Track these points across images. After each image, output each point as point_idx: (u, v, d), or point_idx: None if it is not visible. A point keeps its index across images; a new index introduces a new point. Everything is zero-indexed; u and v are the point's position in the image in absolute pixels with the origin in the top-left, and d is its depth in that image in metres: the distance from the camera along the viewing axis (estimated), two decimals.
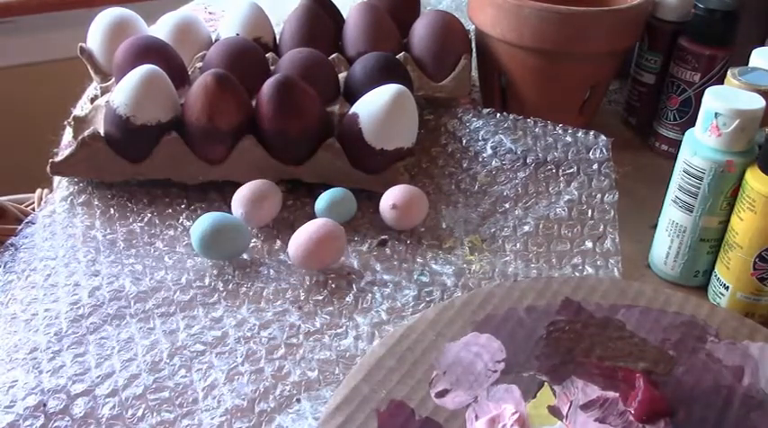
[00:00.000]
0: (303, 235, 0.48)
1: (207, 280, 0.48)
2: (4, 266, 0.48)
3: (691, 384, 0.40)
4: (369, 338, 0.44)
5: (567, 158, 0.59)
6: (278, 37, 0.69)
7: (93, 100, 0.62)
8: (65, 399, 0.39)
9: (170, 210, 0.54)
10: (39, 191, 0.95)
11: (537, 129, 0.61)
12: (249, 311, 0.46)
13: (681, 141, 0.49)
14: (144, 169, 0.55)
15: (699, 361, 0.41)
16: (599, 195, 0.56)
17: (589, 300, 0.45)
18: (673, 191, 0.49)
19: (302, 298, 0.47)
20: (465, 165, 0.59)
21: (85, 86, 0.70)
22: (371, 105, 0.54)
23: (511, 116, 0.62)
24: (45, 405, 0.39)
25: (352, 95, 0.60)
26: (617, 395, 0.39)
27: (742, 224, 0.45)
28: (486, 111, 0.64)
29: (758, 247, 0.45)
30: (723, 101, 0.46)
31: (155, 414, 0.39)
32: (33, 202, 0.95)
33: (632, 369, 0.40)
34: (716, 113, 0.46)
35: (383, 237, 0.52)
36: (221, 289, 0.48)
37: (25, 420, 0.38)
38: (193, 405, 0.39)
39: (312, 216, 0.53)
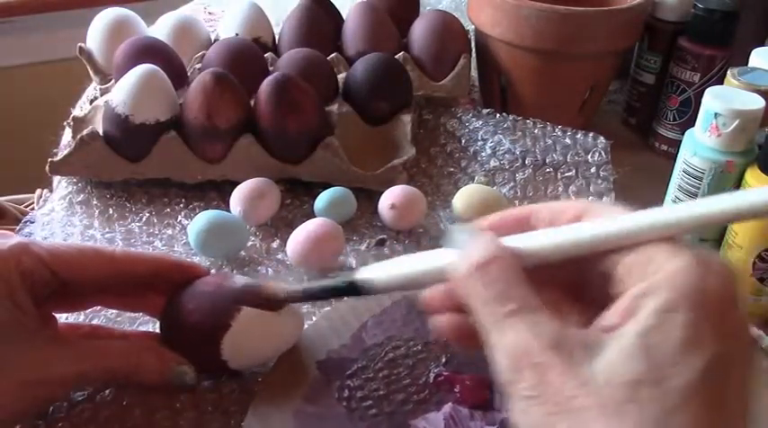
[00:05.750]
0: (302, 234, 0.48)
1: None
2: None
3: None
4: None
5: (566, 161, 0.59)
6: (277, 37, 0.69)
7: (92, 101, 0.62)
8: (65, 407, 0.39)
9: (168, 210, 0.54)
10: (38, 191, 0.94)
11: (536, 131, 0.61)
12: None
13: (681, 141, 0.49)
14: (142, 168, 0.55)
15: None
16: (597, 199, 0.56)
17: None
18: (673, 191, 0.49)
19: None
20: (464, 165, 0.59)
21: (85, 86, 0.70)
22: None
23: (510, 117, 0.62)
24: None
25: (352, 95, 0.60)
26: (451, 406, 0.38)
27: (742, 224, 0.45)
28: (485, 111, 0.64)
29: (758, 247, 0.45)
30: (723, 101, 0.46)
31: (154, 414, 0.38)
32: (33, 202, 0.95)
33: (437, 374, 0.39)
34: (716, 113, 0.45)
35: (381, 237, 0.52)
36: None
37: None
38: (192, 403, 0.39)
39: (311, 215, 0.53)
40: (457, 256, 0.27)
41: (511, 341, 0.24)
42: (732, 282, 0.24)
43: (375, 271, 0.31)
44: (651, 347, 0.22)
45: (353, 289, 0.32)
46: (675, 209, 0.25)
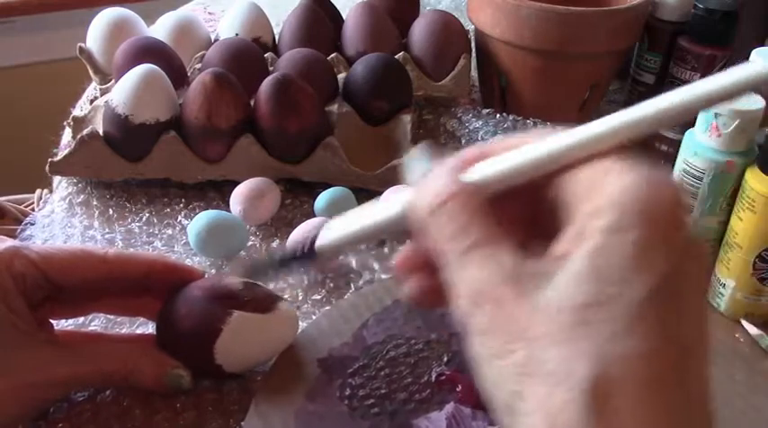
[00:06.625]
0: (301, 234, 0.48)
1: None
2: None
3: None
4: None
5: None
6: (277, 37, 0.69)
7: (92, 101, 0.62)
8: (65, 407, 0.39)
9: (168, 210, 0.54)
10: (38, 191, 0.94)
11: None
12: None
13: (681, 141, 0.49)
14: (142, 168, 0.55)
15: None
16: None
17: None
18: None
19: (300, 297, 0.47)
20: None
21: (85, 86, 0.70)
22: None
23: (510, 117, 0.62)
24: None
25: (352, 95, 0.60)
26: (453, 405, 0.38)
27: (742, 224, 0.45)
28: (485, 111, 0.64)
29: (758, 247, 0.45)
30: None
31: (154, 414, 0.38)
32: (33, 202, 0.95)
33: (439, 373, 0.40)
34: (716, 113, 0.45)
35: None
36: None
37: None
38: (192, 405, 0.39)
39: (311, 215, 0.53)
40: (414, 193, 0.26)
41: (469, 275, 0.24)
42: (680, 198, 0.23)
43: (333, 231, 0.30)
44: (599, 268, 0.22)
45: (315, 253, 0.30)
46: (627, 112, 0.25)
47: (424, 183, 0.26)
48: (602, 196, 0.23)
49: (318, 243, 0.30)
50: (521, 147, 0.26)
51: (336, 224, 0.30)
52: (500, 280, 0.23)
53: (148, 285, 0.39)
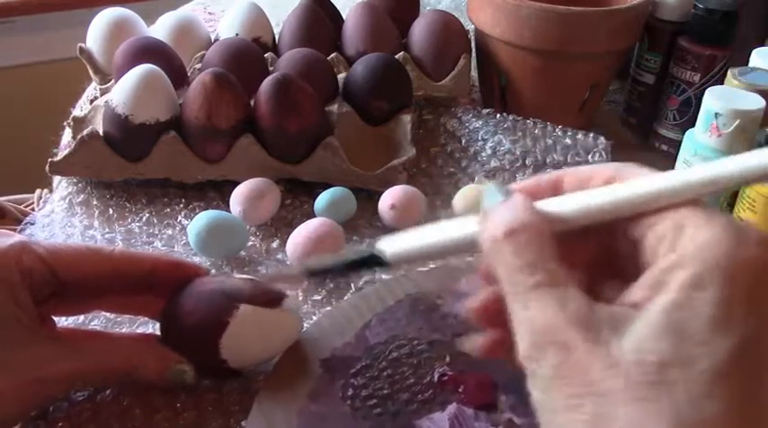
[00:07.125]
0: (301, 234, 0.48)
1: None
2: None
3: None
4: None
5: (567, 161, 0.59)
6: (277, 37, 0.69)
7: (92, 101, 0.62)
8: (65, 406, 0.39)
9: (168, 210, 0.54)
10: (38, 191, 0.94)
11: (536, 131, 0.61)
12: None
13: (681, 141, 0.49)
14: (142, 168, 0.55)
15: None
16: None
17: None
18: None
19: (300, 298, 0.47)
20: (464, 165, 0.59)
21: (85, 86, 0.70)
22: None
23: (510, 117, 0.62)
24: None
25: (352, 95, 0.60)
26: (456, 405, 0.38)
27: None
28: (485, 111, 0.64)
29: None
30: (723, 101, 0.46)
31: (155, 414, 0.38)
32: (33, 202, 0.95)
33: (442, 374, 0.39)
34: (716, 114, 0.46)
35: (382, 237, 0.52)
36: None
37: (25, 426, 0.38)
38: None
39: (311, 215, 0.53)
40: (487, 218, 0.25)
41: (535, 315, 0.22)
42: (764, 255, 0.22)
43: (398, 243, 0.28)
44: (679, 325, 0.21)
45: (376, 262, 0.29)
46: (711, 166, 0.24)
47: (495, 210, 0.25)
48: (682, 247, 0.22)
49: (387, 251, 0.29)
50: (594, 180, 0.25)
51: (407, 235, 0.29)
52: (567, 323, 0.22)
53: (152, 283, 0.40)
